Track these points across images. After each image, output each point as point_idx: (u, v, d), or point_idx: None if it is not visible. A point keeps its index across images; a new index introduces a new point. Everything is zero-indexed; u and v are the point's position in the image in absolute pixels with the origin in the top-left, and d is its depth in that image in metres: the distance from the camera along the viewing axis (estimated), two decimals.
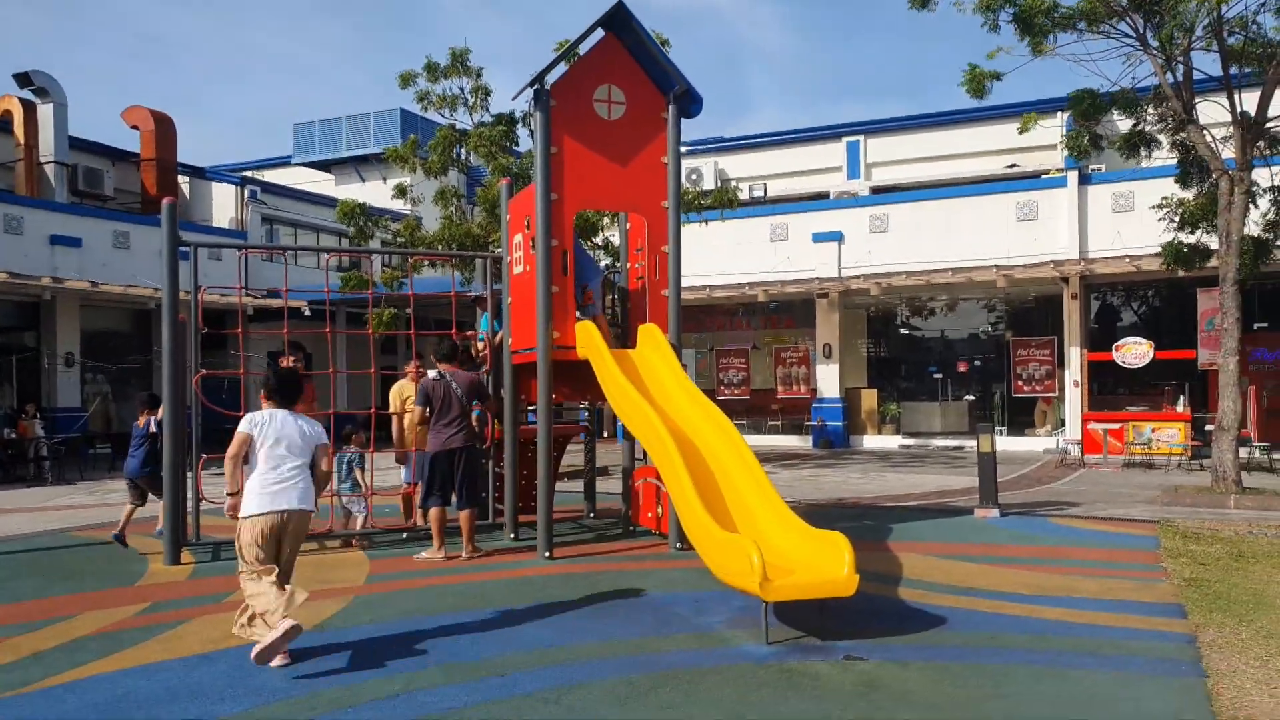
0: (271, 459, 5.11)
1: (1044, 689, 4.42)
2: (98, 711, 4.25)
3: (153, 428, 8.61)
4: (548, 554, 7.90)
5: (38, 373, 19.26)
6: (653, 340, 8.13)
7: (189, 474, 8.39)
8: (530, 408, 9.70)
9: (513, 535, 8.85)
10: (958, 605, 6.08)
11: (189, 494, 8.40)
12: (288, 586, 4.98)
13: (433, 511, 7.95)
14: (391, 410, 9.29)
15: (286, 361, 8.74)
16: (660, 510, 8.71)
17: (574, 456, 13.92)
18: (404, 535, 8.94)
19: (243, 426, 5.16)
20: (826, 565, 5.46)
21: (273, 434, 5.15)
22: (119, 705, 4.33)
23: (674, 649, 5.19)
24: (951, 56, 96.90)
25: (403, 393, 9.45)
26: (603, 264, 11.45)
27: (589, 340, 7.99)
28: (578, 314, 8.39)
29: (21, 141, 21.27)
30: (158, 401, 8.56)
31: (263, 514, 5.01)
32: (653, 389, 7.63)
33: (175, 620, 5.89)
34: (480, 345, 9.82)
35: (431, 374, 8.16)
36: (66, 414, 18.68)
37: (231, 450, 5.09)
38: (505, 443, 8.94)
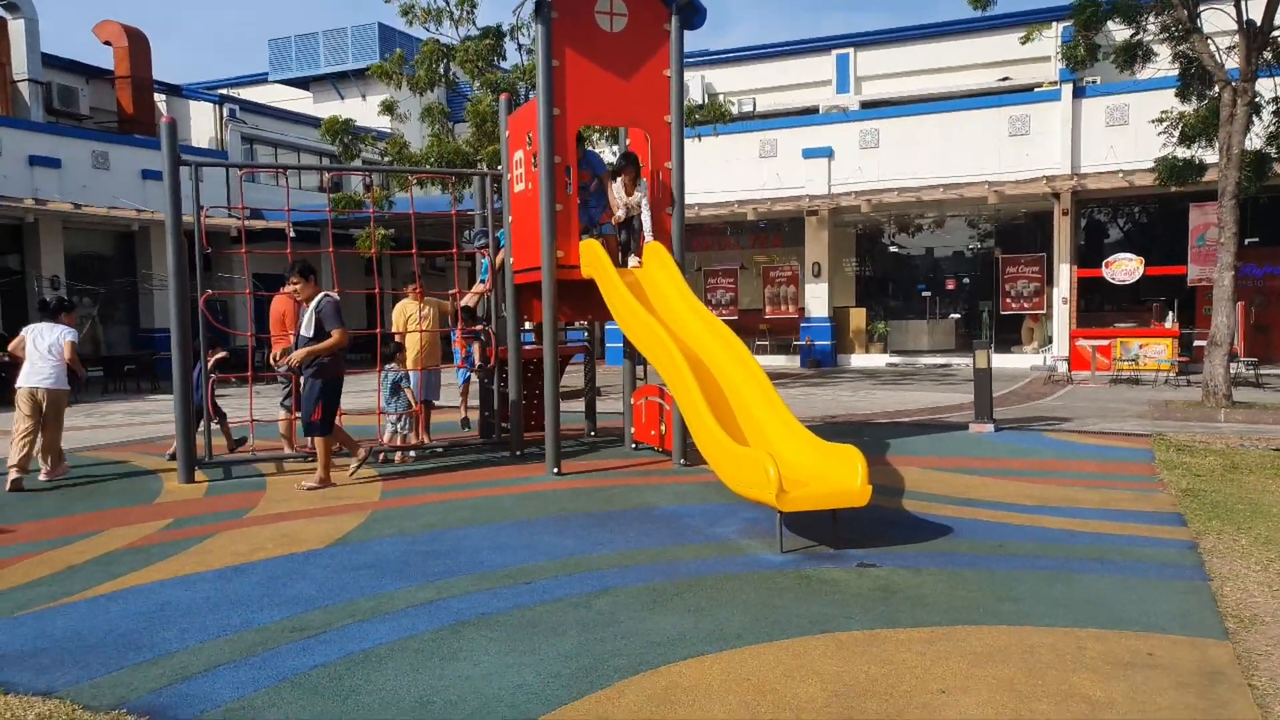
0: (34, 353, 7.98)
1: (1054, 592, 4.60)
2: (143, 619, 4.36)
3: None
4: (556, 470, 8.03)
5: (24, 296, 19.02)
6: (658, 258, 8.12)
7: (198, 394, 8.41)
8: (526, 329, 9.75)
9: (518, 453, 8.97)
10: (962, 515, 6.26)
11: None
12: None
13: (327, 440, 7.62)
14: (395, 330, 9.31)
15: (293, 284, 8.59)
16: (663, 428, 8.83)
17: (571, 378, 14.01)
18: (440, 449, 9.18)
19: (22, 332, 8.14)
20: (840, 476, 5.60)
21: (33, 337, 8.03)
22: (162, 613, 4.44)
23: (692, 557, 5.35)
24: None
25: (405, 311, 9.47)
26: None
27: (594, 258, 7.98)
28: (601, 230, 8.36)
29: None
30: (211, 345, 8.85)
31: (24, 386, 7.93)
32: (659, 307, 7.66)
33: (200, 535, 5.99)
34: (483, 286, 9.78)
35: (334, 294, 7.72)
36: None
37: (10, 345, 8.21)
38: (509, 362, 8.99)
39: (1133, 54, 12.91)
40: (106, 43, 23.16)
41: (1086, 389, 15.55)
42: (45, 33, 21.69)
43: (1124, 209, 20.90)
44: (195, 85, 28.02)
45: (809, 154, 21.96)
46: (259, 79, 31.93)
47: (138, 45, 23.17)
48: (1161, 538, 5.58)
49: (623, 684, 3.58)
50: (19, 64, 20.85)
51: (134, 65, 23.01)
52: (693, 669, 3.72)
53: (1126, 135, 18.83)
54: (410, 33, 17.84)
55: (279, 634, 4.15)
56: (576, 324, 10.85)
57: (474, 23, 16.26)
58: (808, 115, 24.42)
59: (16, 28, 20.82)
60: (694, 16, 8.38)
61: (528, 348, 9.78)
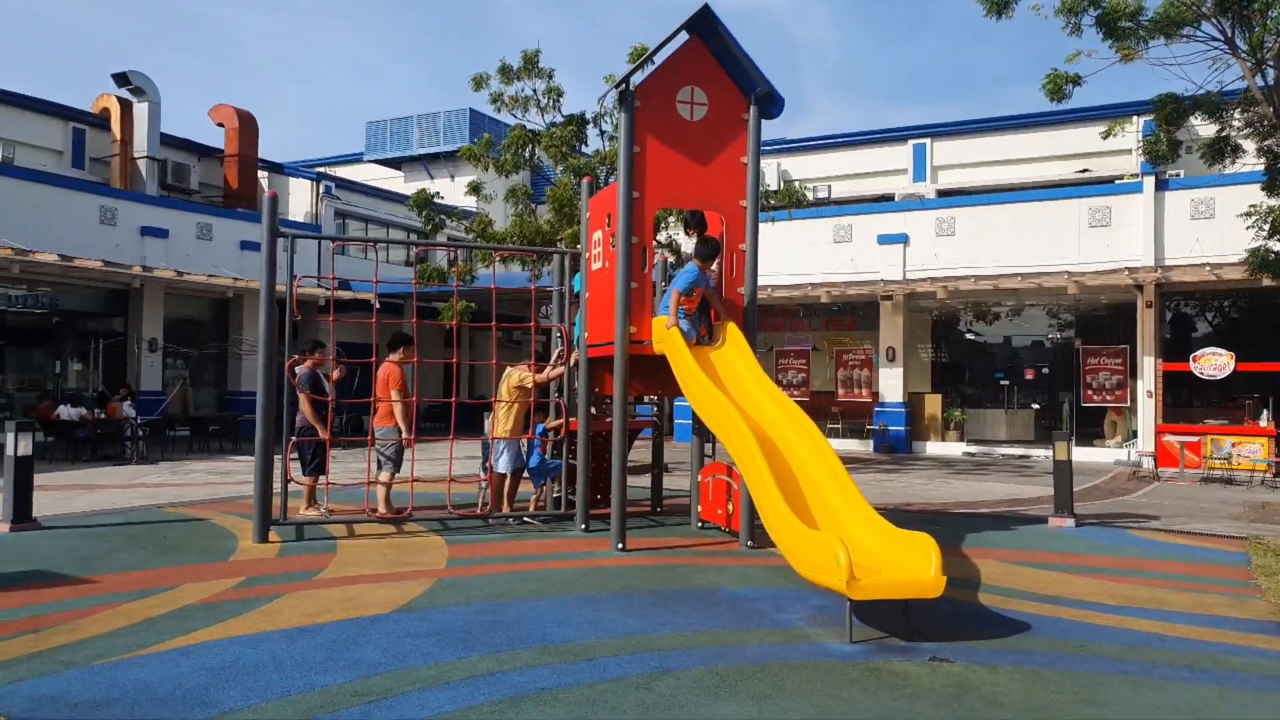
0: None
1: (1142, 699, 4.36)
2: (211, 675, 4.44)
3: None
4: (620, 545, 7.99)
5: (123, 357, 19.96)
6: (731, 338, 8.17)
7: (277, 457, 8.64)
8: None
9: (584, 526, 8.96)
10: (1041, 612, 6.02)
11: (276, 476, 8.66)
12: None
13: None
14: (504, 398, 9.48)
15: (397, 353, 9.23)
16: (730, 507, 8.73)
17: (639, 453, 14.01)
18: (513, 519, 9.45)
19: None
20: (912, 566, 5.45)
21: None
22: (230, 670, 4.51)
23: (757, 643, 5.23)
24: (1013, 56, 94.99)
25: (522, 381, 9.56)
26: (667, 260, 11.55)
27: (665, 336, 8.06)
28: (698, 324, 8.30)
29: (118, 137, 22.11)
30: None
31: None
32: (730, 386, 7.66)
33: (270, 595, 6.10)
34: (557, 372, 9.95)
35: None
36: (149, 397, 19.35)
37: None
38: (579, 435, 9.05)
39: (1220, 149, 12.69)
40: (220, 124, 24.71)
41: (1174, 487, 14.90)
42: (164, 114, 23.21)
43: (1212, 302, 20.27)
44: (295, 163, 29.50)
45: (884, 240, 21.95)
46: (354, 158, 33.49)
47: (247, 126, 24.65)
48: (1260, 648, 5.26)
49: None
50: (140, 143, 22.35)
51: (242, 144, 24.47)
52: None
53: (1212, 228, 18.38)
54: (499, 118, 18.64)
55: (340, 697, 4.17)
56: (646, 399, 10.91)
57: (559, 110, 16.90)
58: (883, 202, 24.48)
59: (140, 110, 22.38)
60: (772, 106, 8.58)
61: (599, 421, 9.84)
